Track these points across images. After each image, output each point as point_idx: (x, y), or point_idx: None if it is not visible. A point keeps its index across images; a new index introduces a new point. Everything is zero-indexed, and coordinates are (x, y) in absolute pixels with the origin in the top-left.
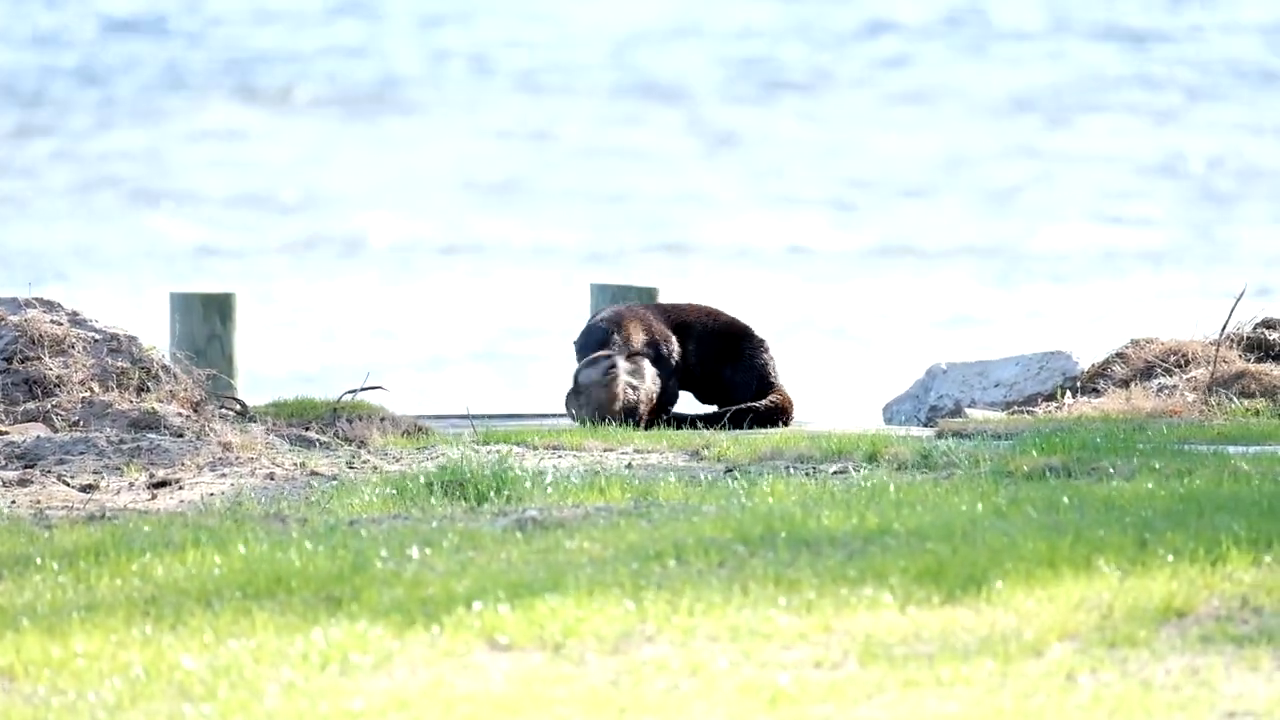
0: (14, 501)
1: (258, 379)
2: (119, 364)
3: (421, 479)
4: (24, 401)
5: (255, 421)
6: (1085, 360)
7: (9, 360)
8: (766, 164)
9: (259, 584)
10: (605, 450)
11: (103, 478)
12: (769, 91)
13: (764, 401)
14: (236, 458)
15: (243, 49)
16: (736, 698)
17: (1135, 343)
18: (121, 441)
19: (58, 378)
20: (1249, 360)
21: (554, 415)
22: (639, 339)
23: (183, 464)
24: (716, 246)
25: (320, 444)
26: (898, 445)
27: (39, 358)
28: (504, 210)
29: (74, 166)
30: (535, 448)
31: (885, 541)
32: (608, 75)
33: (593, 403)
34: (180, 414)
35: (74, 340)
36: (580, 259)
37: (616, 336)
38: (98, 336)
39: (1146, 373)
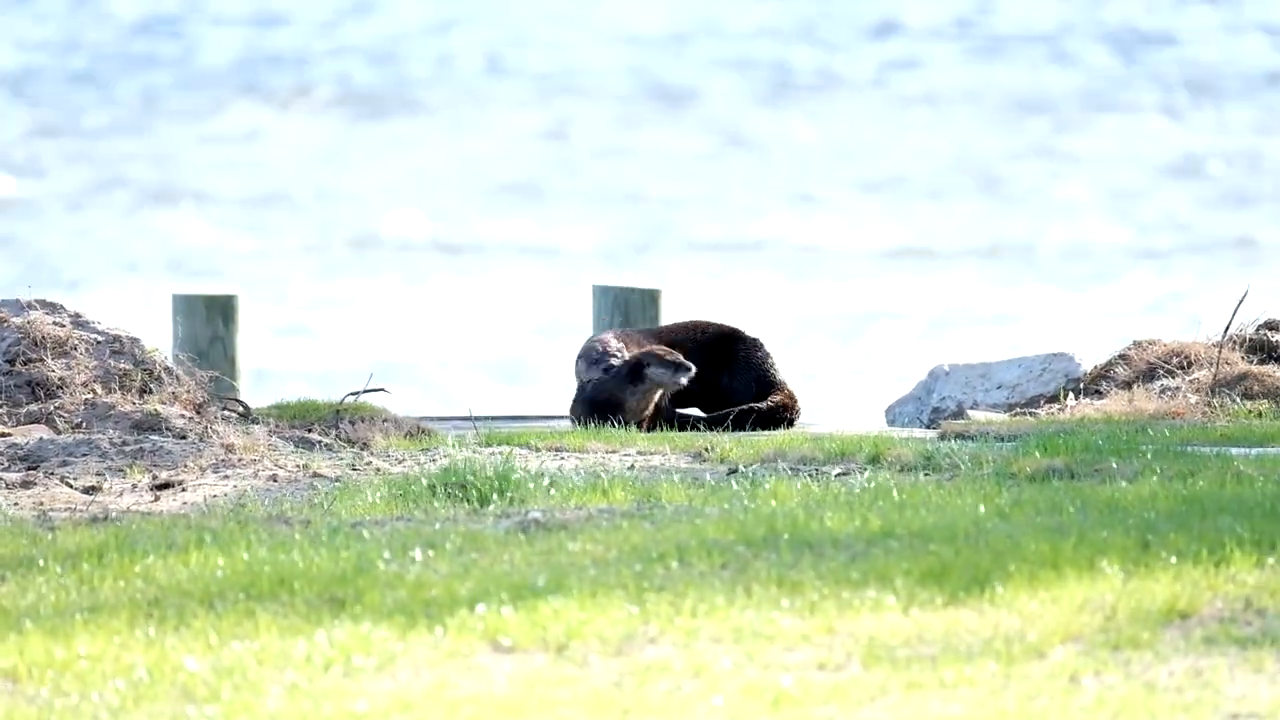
0: (17, 503)
1: (268, 377)
2: (121, 366)
3: (424, 481)
4: (27, 403)
5: (258, 423)
6: (1088, 362)
7: (11, 362)
8: (776, 165)
9: (262, 586)
10: (608, 452)
11: (105, 479)
12: (780, 93)
13: (765, 403)
14: (239, 459)
15: (257, 49)
16: (739, 699)
17: (1138, 344)
18: (124, 443)
19: (60, 379)
20: (1251, 362)
21: (556, 417)
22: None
23: (185, 466)
24: (722, 247)
25: (323, 446)
26: (900, 447)
27: (41, 359)
28: (512, 211)
29: (89, 167)
30: (538, 449)
31: (888, 543)
32: (622, 77)
33: (630, 412)
34: (183, 416)
35: (76, 342)
36: (585, 259)
37: (624, 354)
38: (100, 338)
39: (1149, 374)
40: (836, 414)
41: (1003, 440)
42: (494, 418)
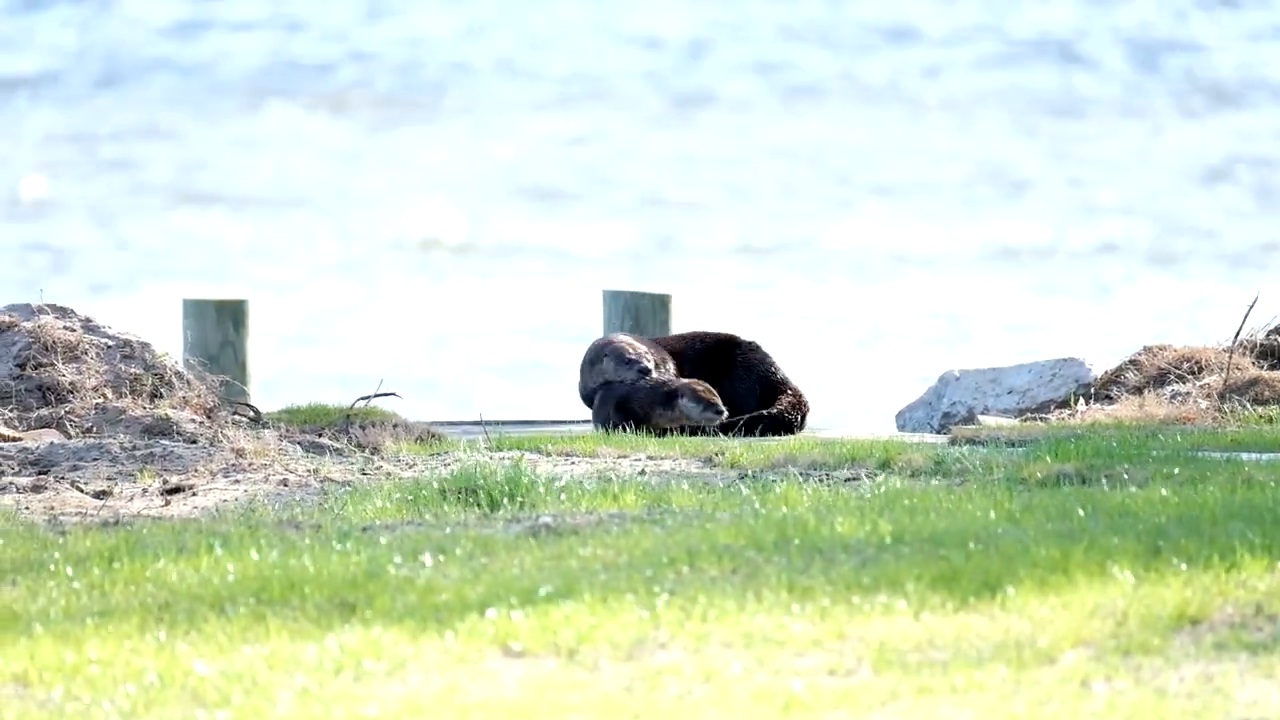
0: (28, 508)
1: (287, 380)
2: (132, 370)
3: (435, 485)
4: (37, 408)
5: (268, 428)
6: (1098, 367)
7: (22, 367)
8: (791, 168)
9: (273, 590)
10: (619, 457)
11: (116, 484)
12: (795, 96)
13: (774, 409)
14: (250, 464)
15: (281, 53)
16: (750, 704)
17: (1148, 350)
18: (135, 448)
19: (71, 384)
20: (1262, 367)
21: (567, 421)
22: (654, 359)
23: (196, 470)
24: (727, 249)
25: (333, 450)
26: (911, 452)
27: (52, 364)
28: (527, 214)
29: (117, 170)
30: (548, 454)
31: (899, 548)
32: (642, 81)
33: (654, 427)
34: (193, 420)
35: (87, 346)
36: (599, 264)
37: (651, 355)
38: (111, 343)
39: (1160, 380)
40: (847, 419)
41: (1013, 445)
42: (504, 422)
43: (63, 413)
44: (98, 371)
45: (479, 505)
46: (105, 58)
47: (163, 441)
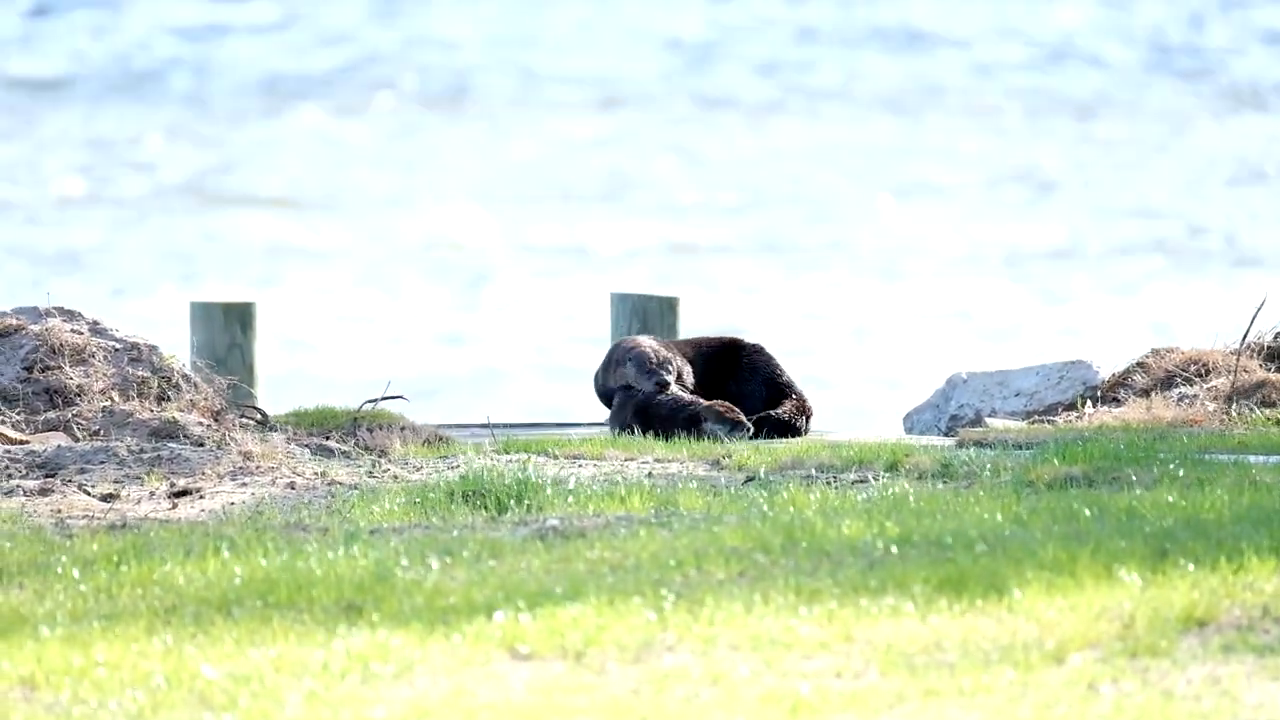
0: (35, 511)
1: (306, 382)
2: (139, 373)
3: (442, 488)
4: (45, 411)
5: (276, 431)
6: (1106, 370)
7: (30, 369)
8: (798, 171)
9: (280, 593)
10: (626, 459)
11: (123, 487)
12: (808, 100)
13: (781, 411)
14: (257, 467)
15: (310, 57)
16: (758, 707)
17: (1156, 352)
18: (142, 450)
19: (78, 387)
20: (1270, 370)
21: (574, 424)
22: (675, 368)
23: (203, 473)
24: (735, 251)
25: (341, 453)
26: (918, 455)
27: (60, 367)
28: (541, 216)
29: (152, 171)
30: (556, 457)
31: (906, 551)
32: (663, 83)
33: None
34: (201, 423)
35: (94, 349)
36: (611, 265)
37: (673, 363)
38: (118, 345)
39: (1167, 382)
40: (854, 421)
41: (1020, 448)
42: (511, 425)
43: (70, 415)
44: (105, 374)
45: (486, 508)
46: (140, 59)
47: (170, 444)
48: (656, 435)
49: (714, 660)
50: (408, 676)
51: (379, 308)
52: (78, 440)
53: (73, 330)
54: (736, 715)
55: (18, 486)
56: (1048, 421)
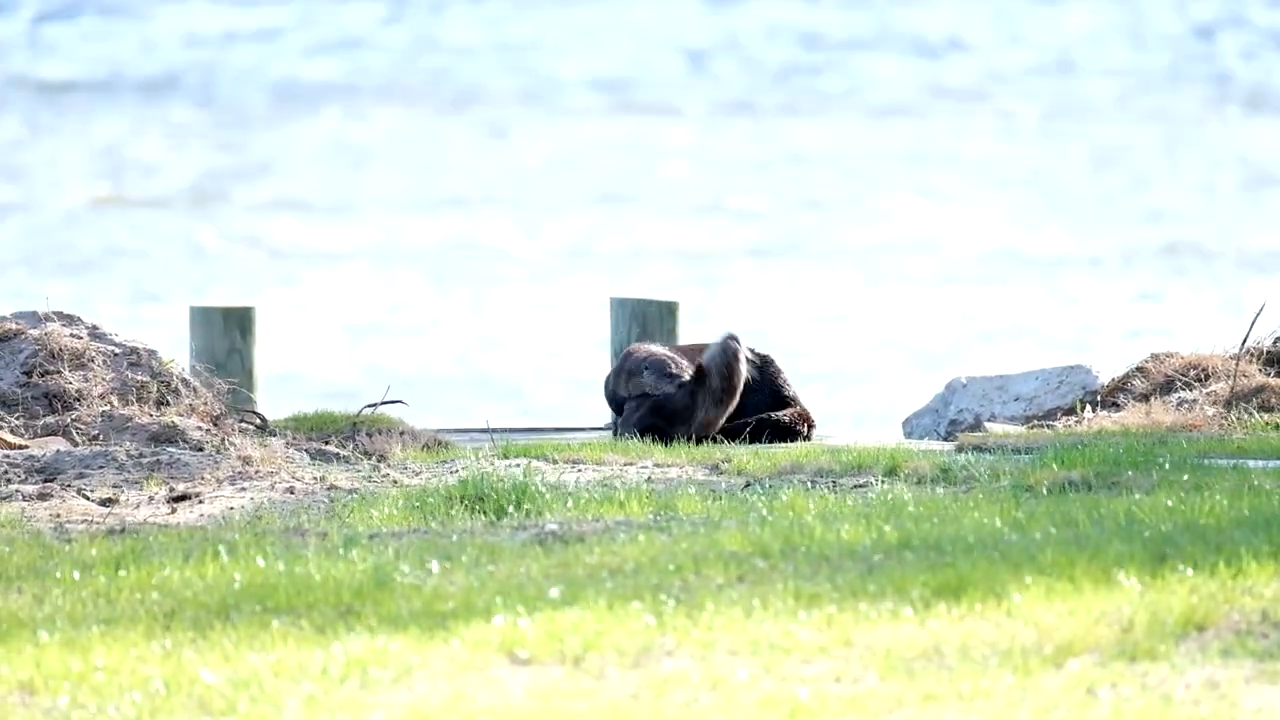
0: (34, 515)
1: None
2: (139, 378)
3: (441, 493)
4: (44, 415)
5: (275, 435)
6: (1105, 374)
7: (29, 374)
8: (799, 175)
9: (279, 598)
10: (625, 464)
11: (122, 491)
12: (821, 103)
13: (783, 414)
14: (256, 471)
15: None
16: (757, 711)
17: (1155, 357)
18: (141, 455)
19: (77, 391)
20: (1269, 374)
21: (574, 429)
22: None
23: (202, 478)
24: (741, 252)
25: (340, 458)
26: (917, 459)
27: (59, 371)
28: (543, 219)
29: (182, 174)
30: (555, 461)
31: (905, 555)
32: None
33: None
34: (200, 428)
35: (94, 354)
36: (607, 269)
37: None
38: (117, 350)
39: (1166, 387)
40: (853, 426)
41: (1020, 453)
42: (511, 430)
43: (69, 420)
44: (104, 379)
45: (485, 513)
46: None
47: (169, 449)
48: (676, 431)
49: (713, 665)
50: (406, 681)
51: (380, 311)
52: (77, 445)
53: (72, 335)
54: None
55: (17, 491)
56: (1047, 426)
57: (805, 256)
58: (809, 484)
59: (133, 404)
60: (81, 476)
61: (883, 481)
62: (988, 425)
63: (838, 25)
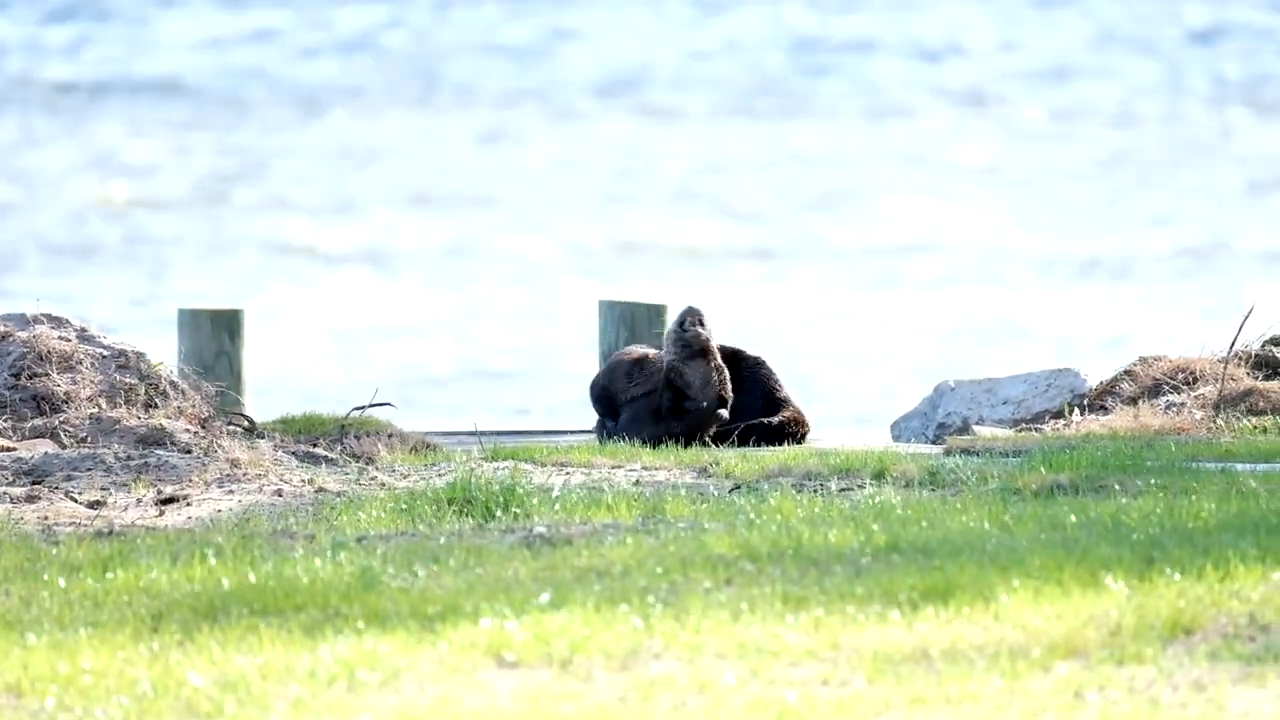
0: (22, 518)
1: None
2: (127, 380)
3: (429, 495)
4: (32, 417)
5: (263, 438)
6: (1093, 378)
7: (17, 376)
8: (797, 176)
9: (266, 600)
10: (613, 467)
11: (110, 494)
12: (821, 105)
13: (774, 418)
14: (244, 474)
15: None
16: (744, 714)
17: (1143, 360)
18: (129, 458)
19: (65, 394)
20: (1257, 378)
21: (562, 432)
22: None
23: (190, 480)
24: (741, 252)
25: (328, 460)
26: (905, 463)
27: (47, 374)
28: (542, 219)
29: (194, 175)
30: (543, 464)
31: (892, 558)
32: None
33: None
34: (188, 430)
35: (82, 356)
36: (589, 270)
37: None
38: (105, 353)
39: (1154, 390)
40: (842, 429)
41: (1008, 456)
42: (499, 432)
43: (57, 423)
44: (92, 381)
45: (473, 515)
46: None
47: (157, 451)
48: (688, 403)
49: (700, 668)
50: (394, 684)
51: (367, 312)
52: (65, 447)
53: (60, 337)
54: None
55: (4, 493)
56: (1035, 429)
57: (805, 257)
58: (797, 487)
59: (121, 406)
60: (69, 479)
61: (871, 485)
62: (976, 428)
63: (838, 28)
